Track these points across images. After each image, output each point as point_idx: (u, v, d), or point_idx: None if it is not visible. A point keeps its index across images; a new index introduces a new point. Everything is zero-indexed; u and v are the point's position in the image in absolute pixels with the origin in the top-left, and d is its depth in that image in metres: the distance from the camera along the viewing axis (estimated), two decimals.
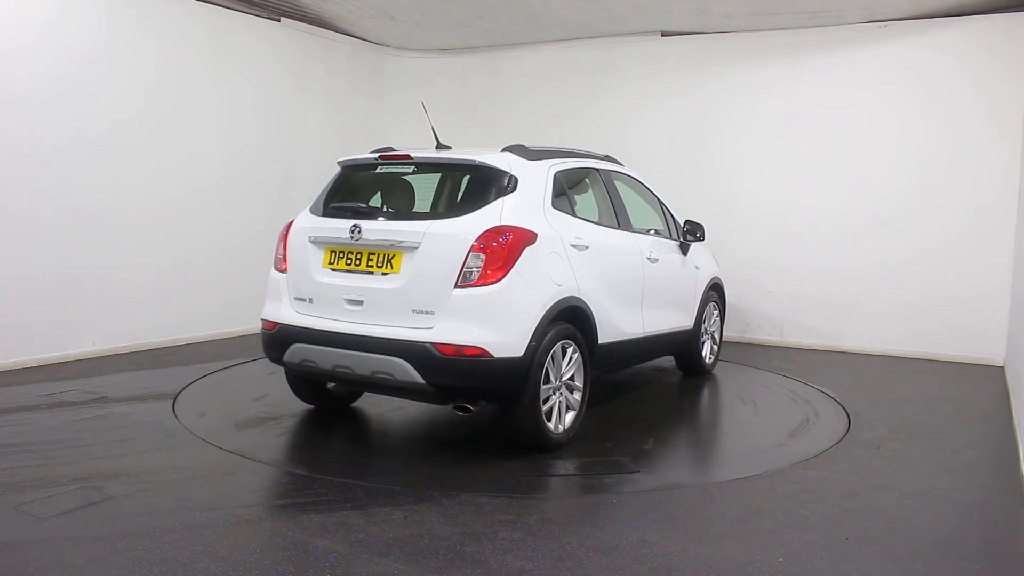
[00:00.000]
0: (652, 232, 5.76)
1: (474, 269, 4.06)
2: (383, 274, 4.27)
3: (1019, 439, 4.80)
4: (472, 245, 4.07)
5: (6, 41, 5.90)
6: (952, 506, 3.85)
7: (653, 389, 6.26)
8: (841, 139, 7.75)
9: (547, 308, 4.23)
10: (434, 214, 4.49)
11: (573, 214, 4.81)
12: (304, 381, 5.03)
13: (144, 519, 3.35)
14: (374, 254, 4.32)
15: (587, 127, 8.76)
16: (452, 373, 4.07)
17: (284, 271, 4.68)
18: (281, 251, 4.74)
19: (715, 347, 6.74)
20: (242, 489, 3.94)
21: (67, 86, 6.28)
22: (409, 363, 4.06)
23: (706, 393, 6.23)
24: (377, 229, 4.33)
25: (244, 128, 7.81)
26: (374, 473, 4.11)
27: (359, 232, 4.33)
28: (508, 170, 4.43)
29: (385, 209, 4.72)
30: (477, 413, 4.49)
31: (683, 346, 6.26)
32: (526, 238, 4.21)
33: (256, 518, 3.48)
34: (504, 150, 4.64)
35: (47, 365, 6.19)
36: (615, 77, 8.72)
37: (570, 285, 4.43)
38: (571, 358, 4.49)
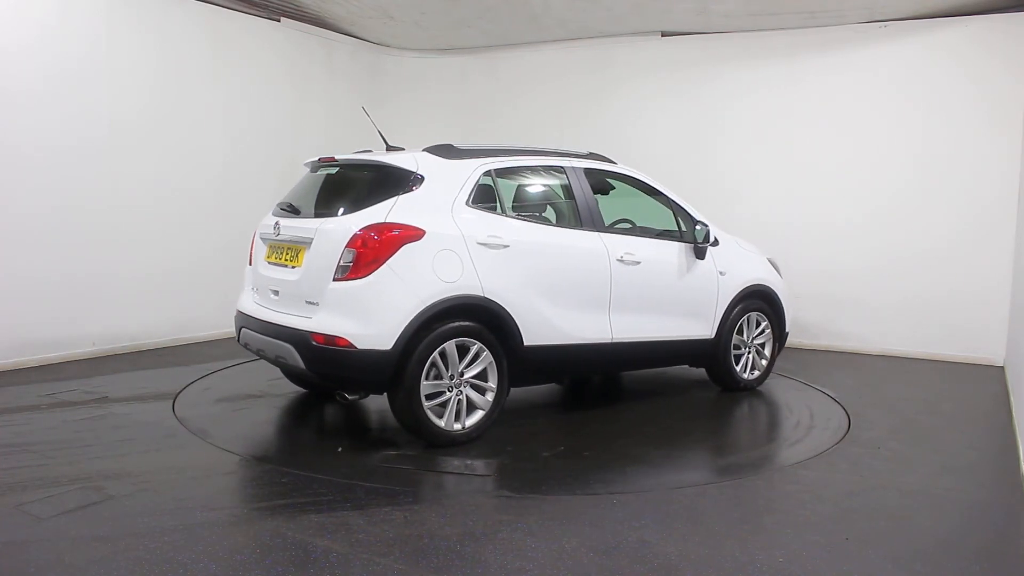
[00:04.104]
0: (676, 235, 5.55)
1: (348, 264, 4.26)
2: (292, 267, 4.62)
3: (1019, 439, 4.80)
4: (347, 241, 4.27)
5: (6, 41, 5.91)
6: (952, 506, 3.85)
7: (657, 398, 6.10)
8: (841, 139, 7.75)
9: (427, 304, 4.28)
10: (330, 212, 4.62)
11: (503, 212, 4.80)
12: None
13: (144, 519, 3.35)
14: (289, 249, 4.69)
15: (587, 127, 8.76)
16: (324, 362, 4.31)
17: (251, 265, 5.16)
18: (251, 247, 5.22)
19: (762, 361, 6.10)
20: (242, 489, 3.95)
21: (67, 86, 6.28)
22: (295, 350, 4.37)
23: (705, 398, 6.07)
24: (288, 226, 4.72)
25: (244, 128, 7.81)
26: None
27: (279, 229, 4.75)
28: (414, 169, 4.57)
29: (302, 208, 4.90)
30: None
31: (700, 357, 5.83)
32: (407, 235, 4.30)
33: (256, 518, 3.48)
34: (425, 149, 4.79)
35: (47, 365, 6.19)
36: (615, 77, 8.72)
37: (469, 283, 4.42)
38: (477, 357, 4.51)
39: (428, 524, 3.39)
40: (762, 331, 6.10)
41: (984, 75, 7.17)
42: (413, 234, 4.32)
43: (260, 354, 4.85)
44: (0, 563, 2.95)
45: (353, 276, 4.23)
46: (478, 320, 4.50)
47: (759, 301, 6.04)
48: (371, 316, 4.22)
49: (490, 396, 4.59)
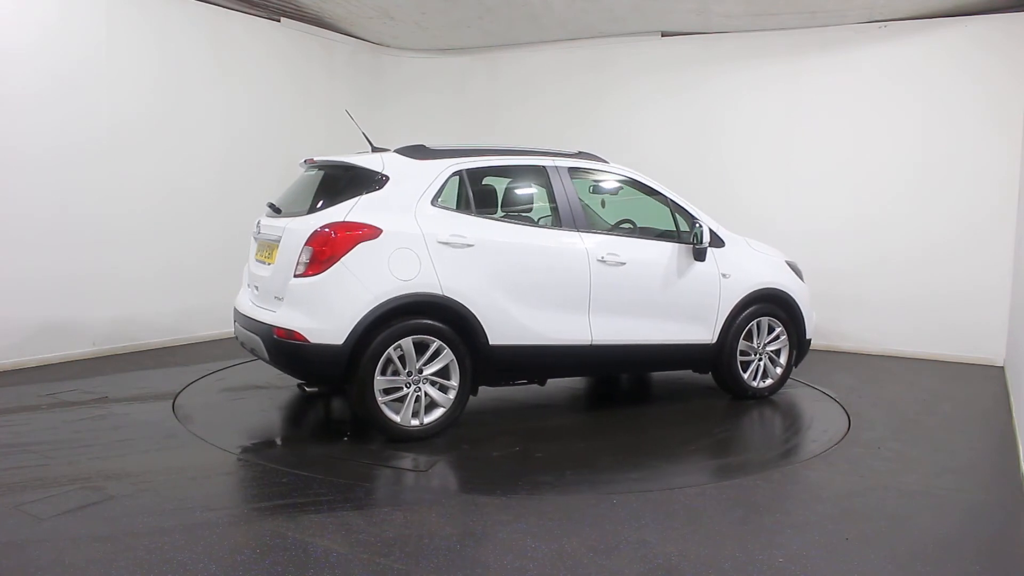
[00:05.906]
0: (674, 236, 5.42)
1: (307, 261, 4.42)
2: (268, 264, 4.78)
3: (1019, 439, 4.80)
4: (307, 239, 4.42)
5: (8, 44, 5.90)
6: (952, 506, 3.85)
7: (655, 404, 6.06)
8: (841, 139, 7.75)
9: (380, 301, 4.36)
10: (302, 211, 4.73)
11: (471, 212, 4.80)
12: None
13: (144, 519, 3.35)
14: (268, 247, 4.85)
15: (587, 127, 8.75)
16: (283, 354, 4.48)
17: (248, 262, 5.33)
18: (249, 246, 5.37)
19: (776, 369, 5.81)
20: (242, 489, 3.95)
21: (68, 87, 6.28)
22: (262, 342, 4.57)
23: (705, 404, 5.97)
24: (267, 225, 4.94)
25: (244, 128, 7.81)
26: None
27: (260, 228, 5.02)
28: (379, 169, 4.67)
29: (284, 207, 5.05)
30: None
31: (700, 362, 5.63)
32: (363, 234, 4.40)
33: (256, 518, 3.49)
34: (395, 150, 4.89)
35: (47, 365, 6.19)
36: (615, 77, 8.72)
37: (426, 281, 4.47)
38: (438, 354, 4.54)
39: (428, 524, 3.39)
40: (776, 337, 5.79)
41: (984, 75, 7.17)
42: (369, 232, 4.41)
43: (244, 347, 5.02)
44: (0, 563, 2.95)
45: (310, 273, 4.37)
46: (438, 318, 4.53)
47: (771, 305, 5.73)
48: (324, 311, 4.34)
49: (452, 394, 4.61)
